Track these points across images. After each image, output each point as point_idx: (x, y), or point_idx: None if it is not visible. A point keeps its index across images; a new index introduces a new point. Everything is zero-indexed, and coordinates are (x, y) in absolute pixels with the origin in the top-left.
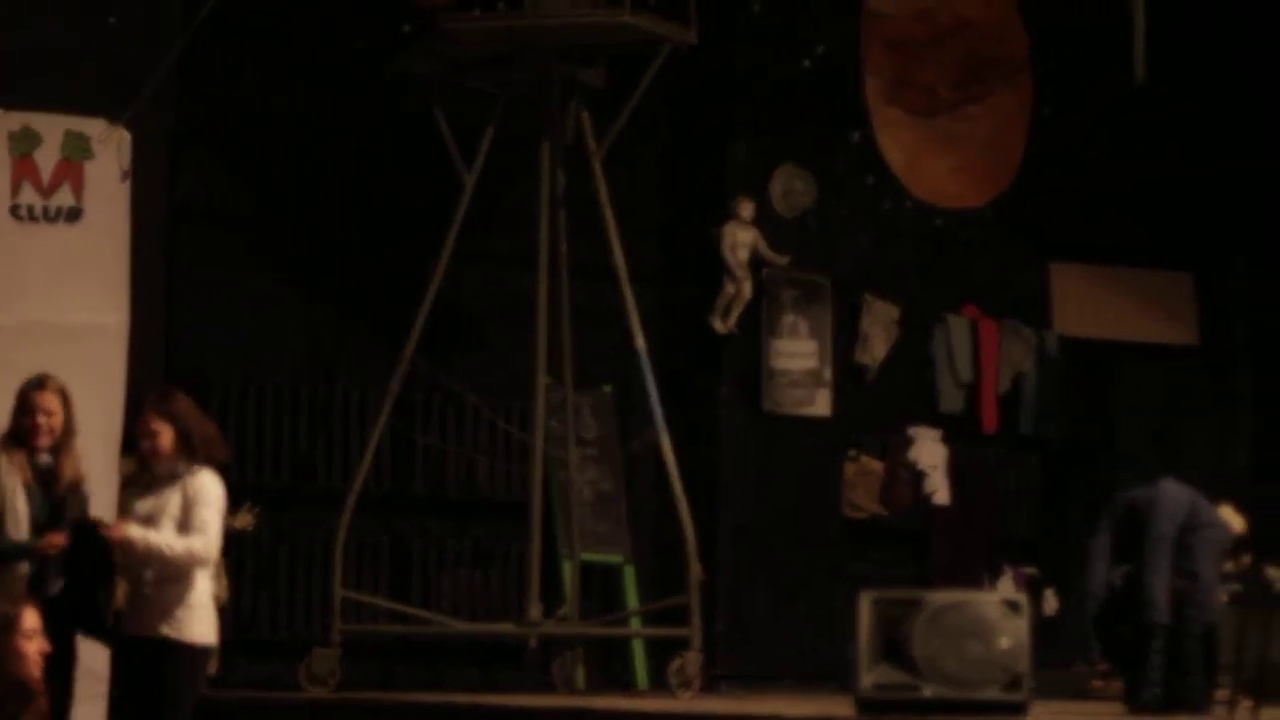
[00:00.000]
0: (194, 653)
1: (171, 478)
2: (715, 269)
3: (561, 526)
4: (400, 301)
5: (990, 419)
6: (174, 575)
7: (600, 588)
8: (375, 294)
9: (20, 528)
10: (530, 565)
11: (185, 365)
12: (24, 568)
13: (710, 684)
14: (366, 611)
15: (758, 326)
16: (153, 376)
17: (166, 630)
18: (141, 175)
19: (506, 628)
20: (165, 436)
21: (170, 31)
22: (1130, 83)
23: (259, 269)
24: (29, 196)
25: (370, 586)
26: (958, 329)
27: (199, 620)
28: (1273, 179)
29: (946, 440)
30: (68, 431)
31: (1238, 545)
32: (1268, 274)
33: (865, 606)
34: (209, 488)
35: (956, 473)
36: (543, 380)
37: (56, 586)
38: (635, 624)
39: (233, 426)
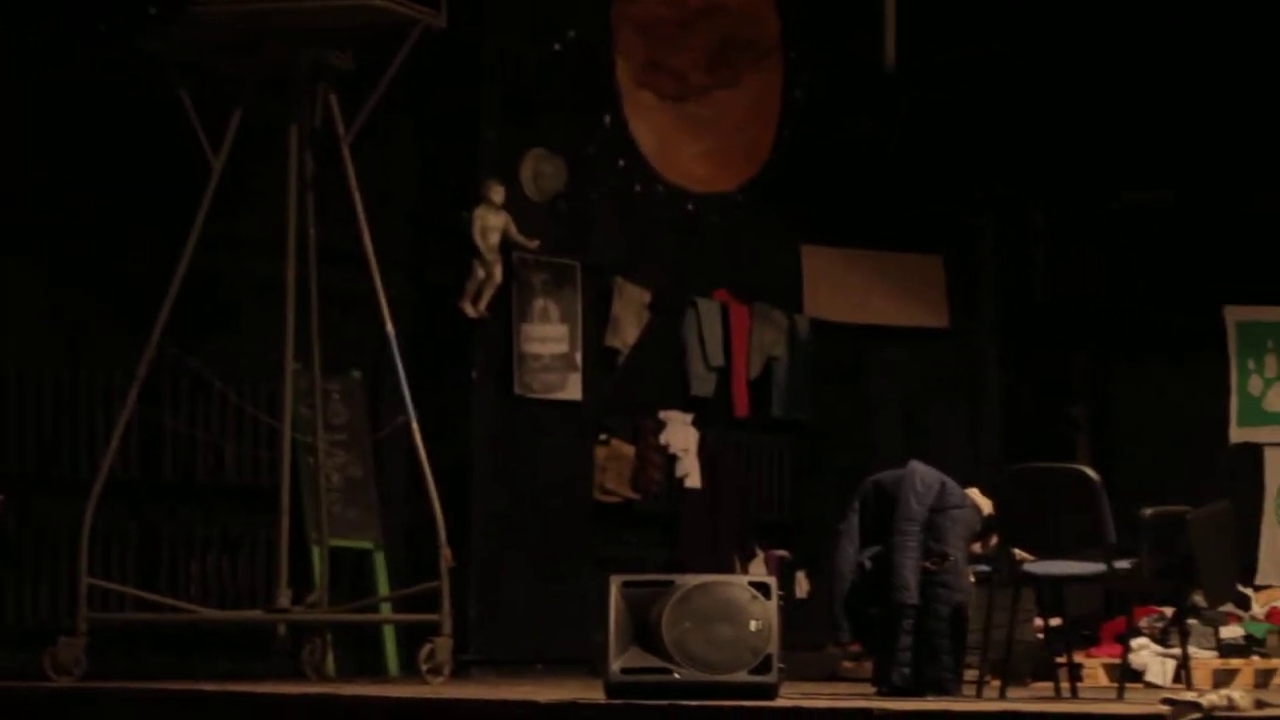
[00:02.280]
0: None
1: None
2: (465, 253)
3: (310, 513)
4: (147, 286)
5: (741, 402)
6: None
7: (350, 574)
8: (121, 278)
9: None
10: (279, 552)
11: None
12: None
13: (461, 669)
14: (114, 599)
15: (508, 311)
16: None
17: None
18: None
19: (255, 615)
20: None
21: None
22: (881, 66)
23: (1, 251)
24: None
25: (118, 574)
26: (709, 313)
27: None
28: (1020, 162)
29: (698, 424)
30: None
31: (986, 527)
32: (1015, 256)
33: (615, 590)
34: None
35: (708, 456)
36: (291, 365)
37: None
38: (385, 610)
39: None
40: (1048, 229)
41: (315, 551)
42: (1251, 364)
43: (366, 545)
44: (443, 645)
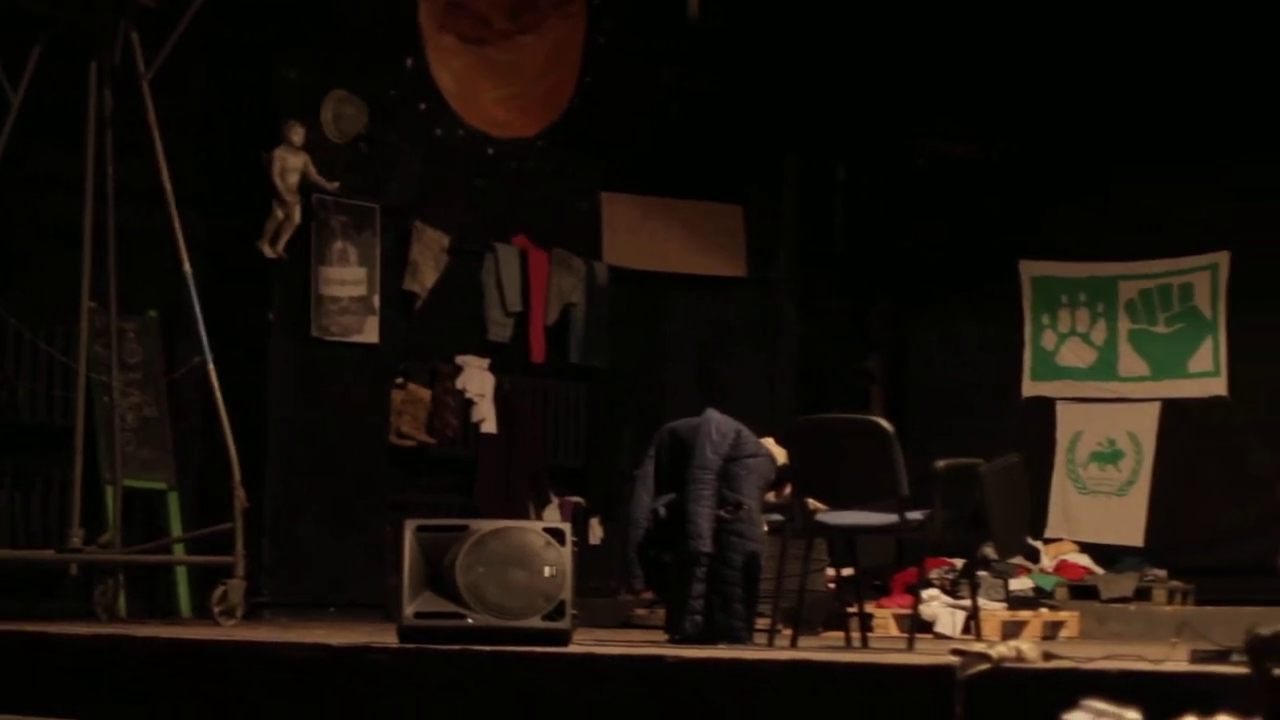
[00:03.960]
0: None
1: None
2: (264, 194)
3: (104, 452)
4: None
5: (538, 348)
6: None
7: (144, 515)
8: None
9: None
10: (73, 491)
11: None
12: None
13: (254, 612)
14: None
15: (307, 253)
16: None
17: None
18: None
19: (47, 555)
20: None
21: None
22: (685, 15)
23: None
24: None
25: None
26: (507, 258)
27: None
28: (821, 113)
29: (494, 369)
30: None
31: (780, 476)
32: (815, 207)
33: (410, 534)
34: None
35: (504, 402)
36: (87, 304)
37: None
38: (179, 551)
39: None
40: (848, 180)
41: (109, 491)
42: (1046, 318)
43: (160, 486)
44: (235, 587)
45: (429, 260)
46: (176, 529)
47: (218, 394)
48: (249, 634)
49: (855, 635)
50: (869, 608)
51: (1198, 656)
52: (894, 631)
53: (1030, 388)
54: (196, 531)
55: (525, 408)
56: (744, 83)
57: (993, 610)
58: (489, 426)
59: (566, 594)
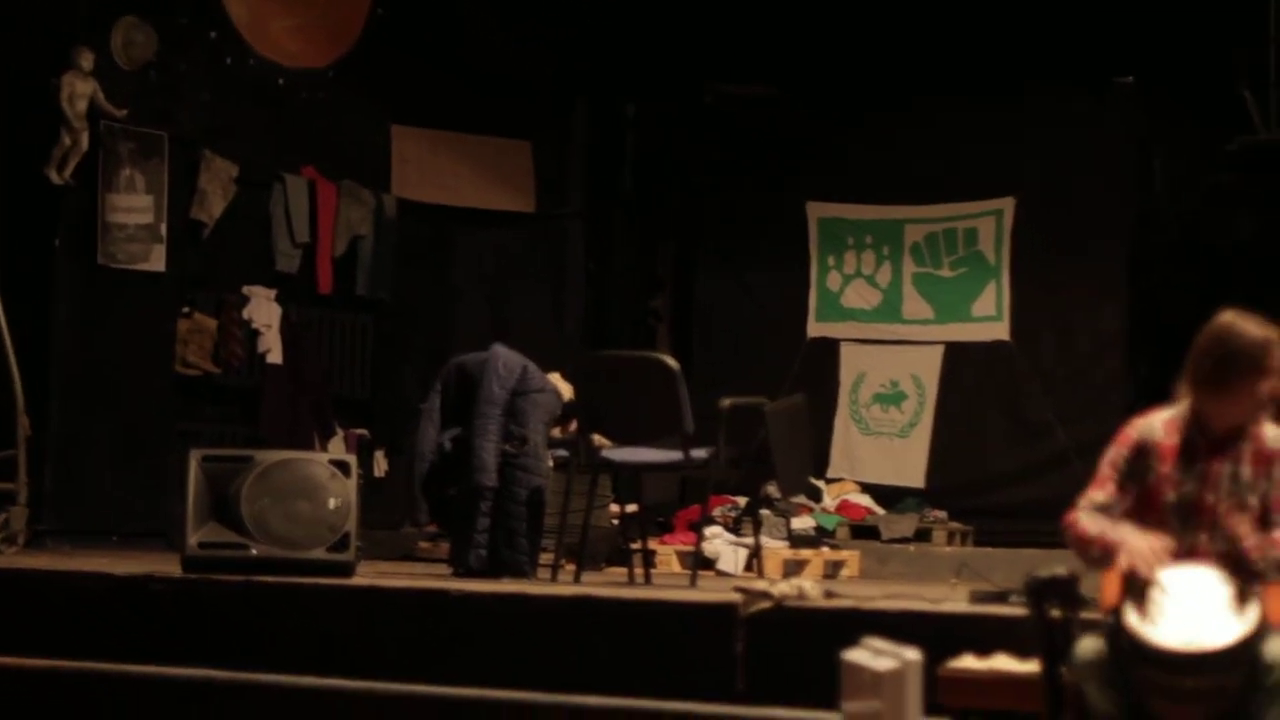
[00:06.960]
0: None
1: None
2: (53, 120)
3: None
4: None
5: (325, 280)
6: None
7: None
8: None
9: None
10: None
11: None
12: None
13: (36, 540)
14: None
15: (94, 180)
16: None
17: None
18: None
19: None
20: None
21: None
22: None
23: None
24: None
25: None
26: (296, 189)
27: None
28: (613, 51)
29: (281, 299)
30: None
31: (566, 412)
32: (605, 145)
33: (194, 464)
34: None
35: (290, 332)
36: None
37: None
38: None
39: None
40: (637, 118)
41: None
42: (831, 260)
43: None
44: (18, 515)
45: (217, 189)
46: None
47: (1, 320)
48: (30, 562)
49: (638, 571)
50: (652, 544)
51: (977, 597)
52: (677, 568)
53: (815, 328)
54: None
55: (311, 339)
56: (536, 18)
57: (775, 549)
58: (275, 357)
59: (351, 526)
